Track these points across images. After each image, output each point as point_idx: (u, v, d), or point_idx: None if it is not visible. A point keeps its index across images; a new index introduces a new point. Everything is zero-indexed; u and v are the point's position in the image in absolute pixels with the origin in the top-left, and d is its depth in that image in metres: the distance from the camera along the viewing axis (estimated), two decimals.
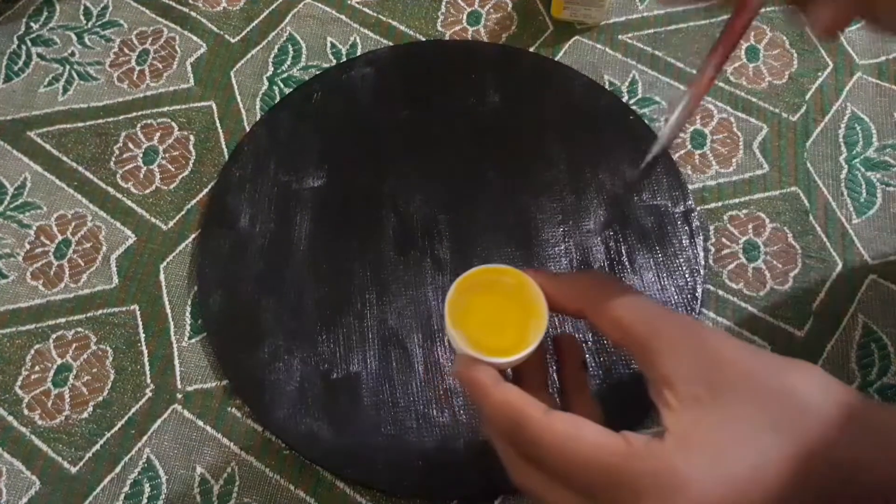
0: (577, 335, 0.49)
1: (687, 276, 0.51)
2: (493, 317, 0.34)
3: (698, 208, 0.53)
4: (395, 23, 0.61)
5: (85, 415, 0.49)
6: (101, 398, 0.50)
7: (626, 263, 0.51)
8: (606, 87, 0.58)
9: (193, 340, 0.51)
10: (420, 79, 0.58)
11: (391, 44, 0.60)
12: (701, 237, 0.52)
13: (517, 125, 0.56)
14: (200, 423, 0.49)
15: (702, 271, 0.51)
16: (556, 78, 0.58)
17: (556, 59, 0.59)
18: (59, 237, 0.54)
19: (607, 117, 0.56)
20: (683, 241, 0.52)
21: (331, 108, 0.57)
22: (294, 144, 0.56)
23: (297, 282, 0.51)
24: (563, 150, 0.55)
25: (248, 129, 0.57)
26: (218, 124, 0.58)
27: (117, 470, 0.48)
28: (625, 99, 0.58)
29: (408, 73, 0.58)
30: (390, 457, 0.46)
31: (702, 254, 0.51)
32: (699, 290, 0.50)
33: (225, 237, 0.53)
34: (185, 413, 0.49)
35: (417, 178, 0.54)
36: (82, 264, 0.53)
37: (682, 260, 0.51)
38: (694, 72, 0.58)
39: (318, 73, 0.59)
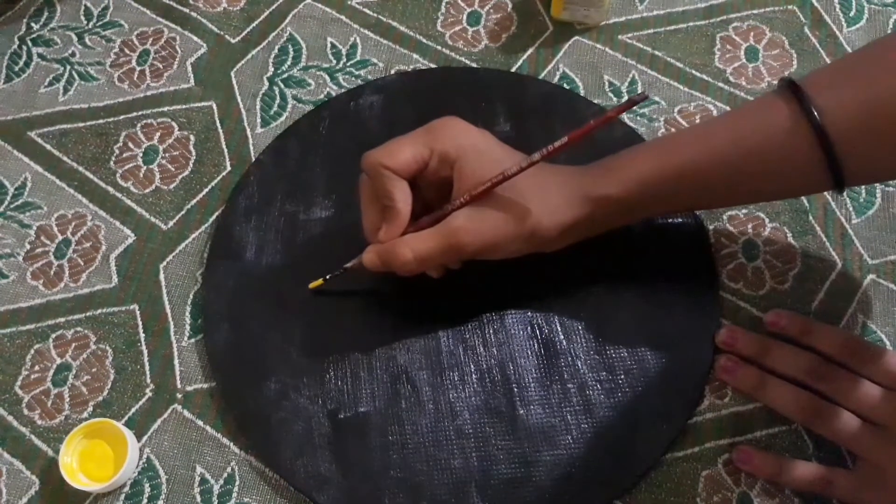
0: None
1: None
2: (97, 455, 0.47)
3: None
4: (394, 23, 0.61)
5: (85, 415, 0.49)
6: (101, 398, 0.50)
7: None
8: (606, 87, 0.58)
9: (193, 340, 0.51)
10: (429, 107, 0.54)
11: (391, 44, 0.60)
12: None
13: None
14: (200, 423, 0.49)
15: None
16: (568, 107, 0.56)
17: (555, 59, 0.59)
18: (60, 237, 0.54)
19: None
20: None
21: (339, 137, 0.56)
22: (301, 174, 0.55)
23: (304, 316, 0.50)
24: None
25: (250, 136, 0.57)
26: (218, 124, 0.58)
27: None
28: (624, 99, 0.58)
29: (416, 100, 0.57)
30: (397, 501, 0.45)
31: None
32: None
33: (231, 270, 0.52)
34: (185, 413, 0.49)
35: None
36: (82, 264, 0.54)
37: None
38: (694, 72, 0.58)
39: (325, 100, 0.58)
